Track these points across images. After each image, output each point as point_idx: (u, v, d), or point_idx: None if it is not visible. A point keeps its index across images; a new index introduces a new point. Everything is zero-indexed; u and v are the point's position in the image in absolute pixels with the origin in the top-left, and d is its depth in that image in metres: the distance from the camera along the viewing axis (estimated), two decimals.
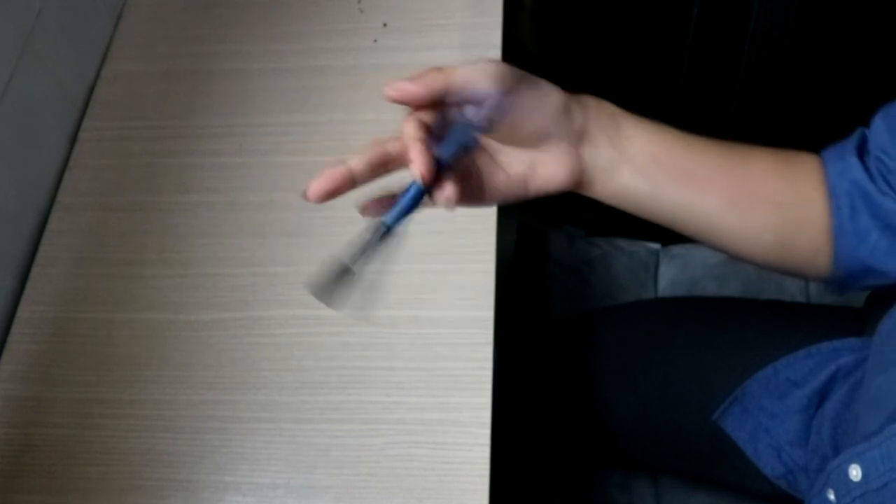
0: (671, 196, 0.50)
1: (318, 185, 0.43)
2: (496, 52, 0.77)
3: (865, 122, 0.53)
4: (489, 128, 0.44)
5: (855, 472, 0.46)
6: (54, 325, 0.67)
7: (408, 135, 0.42)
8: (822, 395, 0.63)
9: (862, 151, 0.53)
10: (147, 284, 0.69)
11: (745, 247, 0.53)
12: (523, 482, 0.81)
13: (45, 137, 0.75)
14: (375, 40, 0.80)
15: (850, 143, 0.53)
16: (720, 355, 0.70)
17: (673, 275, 0.91)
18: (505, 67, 0.44)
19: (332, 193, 0.43)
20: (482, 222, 0.68)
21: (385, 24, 0.81)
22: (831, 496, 0.49)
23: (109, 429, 0.62)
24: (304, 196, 0.43)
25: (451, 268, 0.66)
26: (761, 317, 0.73)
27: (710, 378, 0.69)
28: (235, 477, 0.60)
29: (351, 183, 0.43)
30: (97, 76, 0.81)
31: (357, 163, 0.43)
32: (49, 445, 0.62)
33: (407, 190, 0.43)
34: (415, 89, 0.43)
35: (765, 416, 0.65)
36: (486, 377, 0.61)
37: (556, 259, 1.00)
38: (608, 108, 0.50)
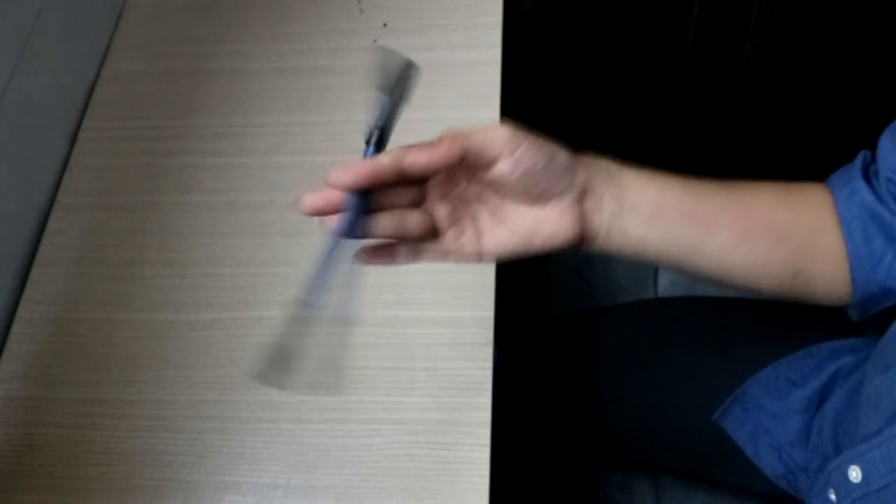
0: (678, 240, 0.50)
1: (313, 201, 0.43)
2: (496, 53, 0.77)
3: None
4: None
5: (855, 474, 0.46)
6: (54, 325, 0.67)
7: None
8: (823, 396, 0.63)
9: (868, 174, 0.53)
10: (147, 284, 0.69)
11: (759, 282, 0.52)
12: (523, 482, 0.81)
13: (45, 137, 0.75)
14: (375, 40, 0.80)
15: (855, 166, 0.53)
16: (720, 355, 0.70)
17: (673, 275, 0.91)
18: (516, 133, 0.44)
19: (323, 212, 0.44)
20: None
21: (385, 24, 0.81)
22: (832, 496, 0.49)
23: (109, 429, 0.62)
24: (300, 204, 0.43)
25: (451, 268, 0.66)
26: (761, 317, 0.73)
27: (710, 378, 0.69)
28: (235, 477, 0.60)
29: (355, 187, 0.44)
30: (97, 76, 0.81)
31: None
32: (49, 445, 0.62)
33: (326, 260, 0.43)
34: (436, 157, 0.43)
35: (765, 417, 0.65)
36: (486, 377, 0.61)
37: (556, 259, 1.00)
38: (605, 163, 0.49)
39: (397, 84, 0.46)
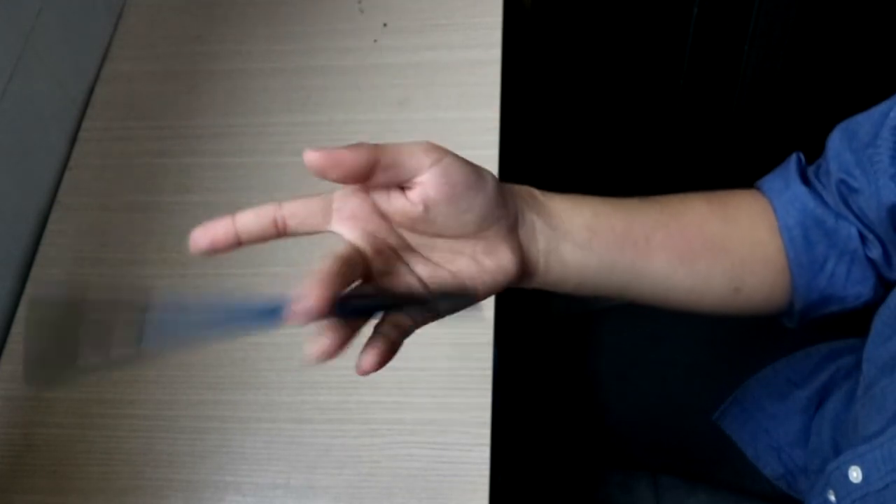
0: (617, 265, 0.48)
1: (201, 236, 0.41)
2: (496, 53, 0.77)
3: None
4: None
5: (855, 474, 0.46)
6: None
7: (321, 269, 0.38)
8: (822, 396, 0.63)
9: (806, 177, 0.52)
10: (147, 284, 0.69)
11: (699, 298, 0.51)
12: (523, 482, 0.81)
13: (45, 137, 0.75)
14: (375, 40, 0.80)
15: (791, 170, 0.52)
16: (720, 355, 0.70)
17: None
18: (437, 146, 0.41)
19: (214, 248, 0.41)
20: None
21: (385, 24, 0.81)
22: (832, 497, 0.49)
23: (109, 429, 0.62)
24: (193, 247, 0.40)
25: None
26: (761, 316, 0.73)
27: (709, 378, 0.69)
28: (235, 477, 0.60)
29: (236, 243, 0.42)
30: (97, 76, 0.81)
31: (246, 223, 0.41)
32: (49, 445, 0.62)
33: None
34: (348, 157, 0.39)
35: (765, 417, 0.65)
36: (486, 377, 0.61)
37: None
38: (529, 190, 0.47)
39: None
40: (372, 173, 0.39)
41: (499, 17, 0.79)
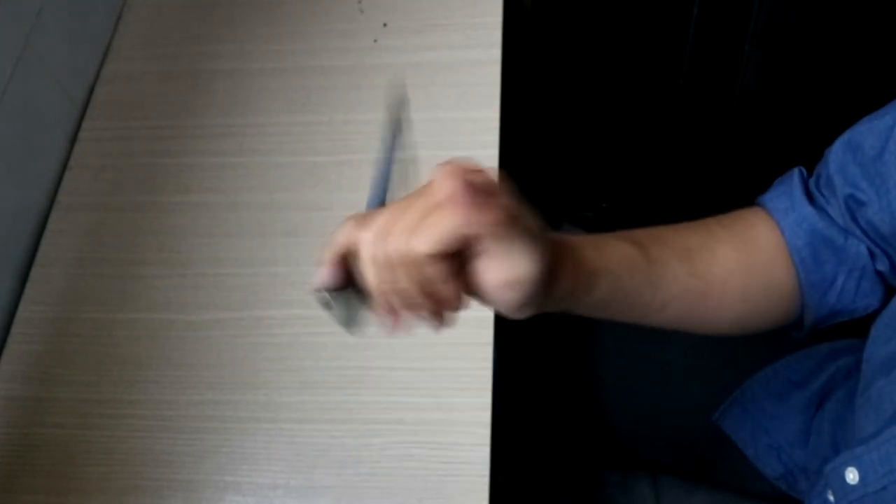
0: (620, 317, 0.49)
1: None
2: (496, 53, 0.77)
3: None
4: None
5: (852, 476, 0.46)
6: (54, 325, 0.67)
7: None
8: (822, 396, 0.63)
9: (810, 195, 0.52)
10: (147, 284, 0.69)
11: (712, 329, 0.52)
12: (523, 482, 0.81)
13: (45, 137, 0.75)
14: (375, 40, 0.80)
15: (794, 187, 0.52)
16: (720, 355, 0.70)
17: None
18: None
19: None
20: None
21: (385, 24, 0.81)
22: (831, 497, 0.49)
23: (109, 429, 0.62)
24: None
25: None
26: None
27: (710, 378, 0.69)
28: (235, 477, 0.60)
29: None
30: (97, 76, 0.81)
31: None
32: (49, 445, 0.62)
33: None
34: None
35: (765, 417, 0.65)
36: (486, 377, 0.61)
37: None
38: (567, 248, 0.45)
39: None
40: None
41: (499, 17, 0.79)
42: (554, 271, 0.42)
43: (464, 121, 0.73)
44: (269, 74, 0.80)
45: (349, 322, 0.42)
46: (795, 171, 0.53)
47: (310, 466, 0.59)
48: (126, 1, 0.87)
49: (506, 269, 0.39)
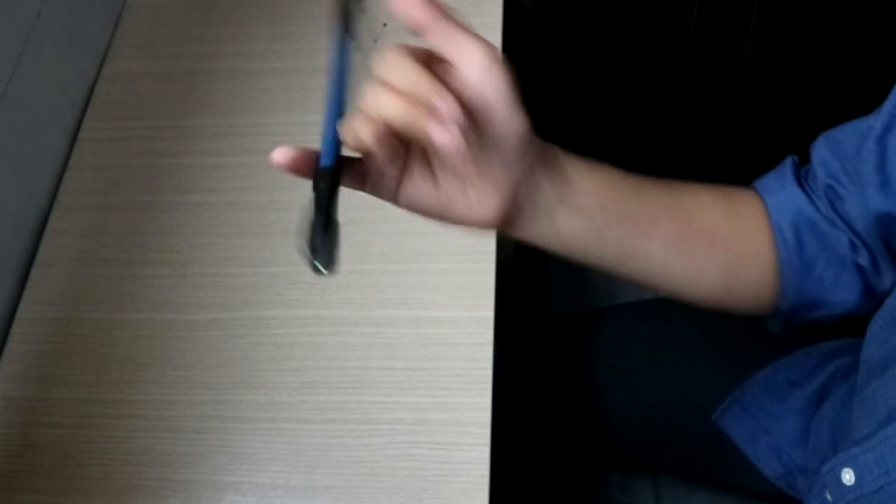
0: (614, 241, 0.48)
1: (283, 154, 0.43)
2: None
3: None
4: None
5: (848, 477, 0.46)
6: (54, 325, 0.68)
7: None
8: (822, 396, 0.63)
9: (801, 180, 0.52)
10: (147, 284, 0.69)
11: (691, 286, 0.51)
12: (523, 482, 0.81)
13: (45, 137, 0.75)
14: (375, 40, 0.80)
15: (787, 171, 0.52)
16: (720, 355, 0.70)
17: None
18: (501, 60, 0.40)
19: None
20: None
21: (385, 24, 0.81)
22: (829, 497, 0.49)
23: (109, 429, 0.62)
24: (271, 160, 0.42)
25: (451, 268, 0.66)
26: (761, 316, 0.73)
27: (710, 378, 0.69)
28: (235, 477, 0.60)
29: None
30: (97, 76, 0.81)
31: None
32: (49, 445, 0.62)
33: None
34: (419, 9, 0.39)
35: (764, 417, 0.65)
36: (486, 377, 0.61)
37: (556, 259, 1.00)
38: (557, 152, 0.46)
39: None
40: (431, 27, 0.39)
41: (499, 17, 0.79)
42: (535, 160, 0.43)
43: None
44: (269, 74, 0.80)
45: (322, 249, 0.41)
46: (789, 158, 0.53)
47: (310, 466, 0.59)
48: (126, 1, 0.87)
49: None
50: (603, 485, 0.80)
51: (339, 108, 0.43)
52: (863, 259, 0.50)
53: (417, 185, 0.43)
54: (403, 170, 0.42)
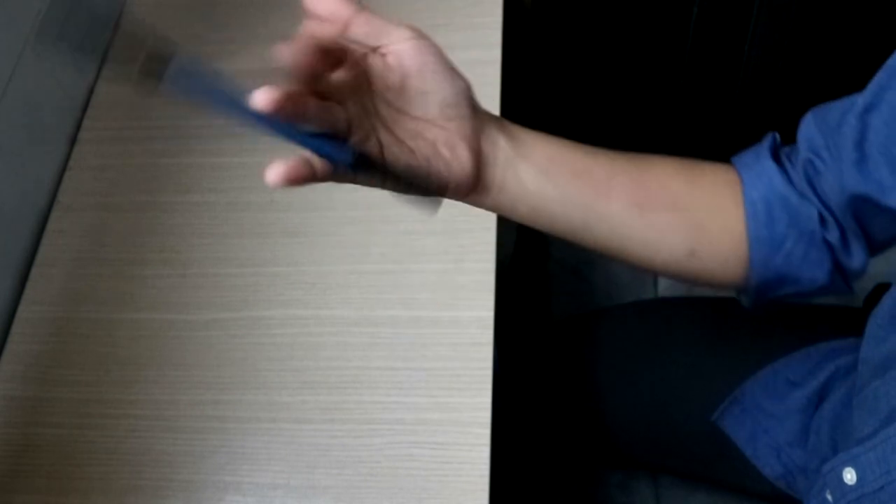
0: (575, 199, 0.49)
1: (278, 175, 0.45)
2: (496, 53, 0.77)
3: None
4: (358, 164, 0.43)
5: (849, 476, 0.46)
6: (54, 325, 0.68)
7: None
8: (821, 396, 0.63)
9: (777, 155, 0.52)
10: (147, 284, 0.69)
11: (654, 255, 0.51)
12: (523, 482, 0.81)
13: (45, 137, 0.75)
14: None
15: (764, 147, 0.52)
16: (720, 355, 0.70)
17: None
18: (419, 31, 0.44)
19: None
20: (482, 222, 0.68)
21: None
22: (829, 497, 0.49)
23: (109, 429, 0.62)
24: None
25: (451, 268, 0.66)
26: (761, 317, 0.73)
27: (709, 378, 0.69)
28: (235, 477, 0.60)
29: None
30: (97, 76, 0.81)
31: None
32: (49, 445, 0.62)
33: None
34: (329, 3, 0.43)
35: (764, 417, 0.65)
36: (486, 377, 0.61)
37: (556, 259, 1.00)
38: (501, 118, 0.49)
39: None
40: (350, 23, 0.43)
41: (499, 17, 0.79)
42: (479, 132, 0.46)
43: None
44: (269, 75, 0.80)
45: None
46: (770, 135, 0.53)
47: (310, 466, 0.59)
48: (126, 1, 0.87)
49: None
50: (603, 485, 0.80)
51: (286, 126, 0.45)
52: (832, 236, 0.50)
53: (396, 155, 0.45)
54: (378, 140, 0.45)
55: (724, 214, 0.51)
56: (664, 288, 0.92)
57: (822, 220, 0.50)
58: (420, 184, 0.45)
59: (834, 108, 0.49)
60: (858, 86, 0.52)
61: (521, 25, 1.06)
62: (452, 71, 0.45)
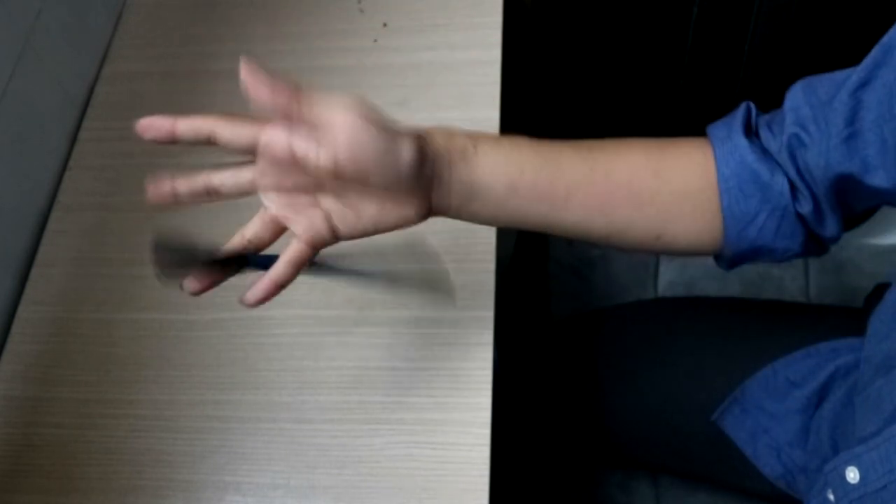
0: (529, 217, 0.50)
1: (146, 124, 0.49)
2: (496, 53, 0.77)
3: None
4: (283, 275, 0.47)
5: (852, 475, 0.46)
6: (54, 325, 0.68)
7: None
8: (822, 396, 0.63)
9: (749, 128, 0.52)
10: (147, 284, 0.69)
11: (619, 242, 0.52)
12: (523, 482, 0.81)
13: (45, 137, 0.75)
14: (375, 40, 0.80)
15: (737, 120, 0.52)
16: (720, 355, 0.70)
17: (673, 275, 0.91)
18: (359, 106, 0.43)
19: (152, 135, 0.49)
20: None
21: (385, 24, 0.81)
22: (831, 497, 0.49)
23: (109, 429, 0.62)
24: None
25: (451, 268, 0.66)
26: (761, 317, 0.73)
27: (710, 378, 0.69)
28: (235, 477, 0.60)
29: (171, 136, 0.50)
30: (97, 76, 0.82)
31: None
32: (49, 445, 0.62)
33: None
34: (268, 91, 0.45)
35: (764, 417, 0.65)
36: (486, 377, 0.61)
37: (556, 259, 1.00)
38: (460, 144, 0.48)
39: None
40: (288, 111, 0.44)
41: (499, 17, 0.79)
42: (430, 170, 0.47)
43: (464, 121, 0.73)
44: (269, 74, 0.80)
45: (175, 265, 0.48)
46: (743, 104, 0.53)
47: (310, 466, 0.59)
48: (126, 1, 0.87)
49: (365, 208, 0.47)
50: (603, 485, 0.80)
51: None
52: (804, 208, 0.50)
53: (343, 223, 0.47)
54: (324, 213, 0.47)
55: (693, 196, 0.51)
56: (664, 288, 0.92)
57: (794, 194, 0.50)
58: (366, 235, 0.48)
59: (825, 81, 0.49)
60: None
61: (521, 25, 1.06)
62: (390, 153, 0.44)
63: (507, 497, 0.70)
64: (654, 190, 0.51)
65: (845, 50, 1.04)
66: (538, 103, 1.17)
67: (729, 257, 0.53)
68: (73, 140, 0.77)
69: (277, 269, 0.47)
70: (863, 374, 0.52)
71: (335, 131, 0.43)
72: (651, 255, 0.55)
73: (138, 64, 0.82)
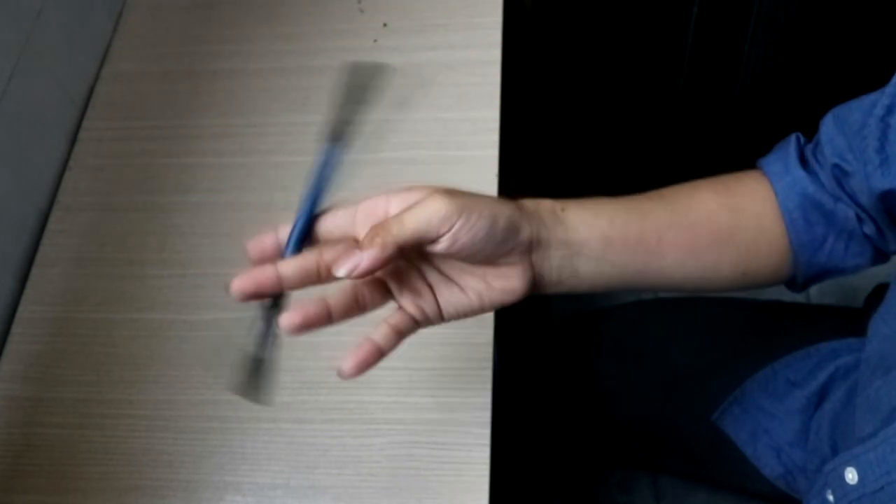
0: (629, 268, 0.50)
1: (240, 283, 0.46)
2: (496, 53, 0.77)
3: None
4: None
5: (851, 476, 0.47)
6: (54, 325, 0.67)
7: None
8: (821, 396, 0.63)
9: (804, 158, 0.53)
10: (147, 284, 0.69)
11: (709, 283, 0.53)
12: (523, 482, 0.81)
13: (45, 137, 0.75)
14: (375, 40, 0.80)
15: (791, 153, 0.53)
16: (720, 355, 0.70)
17: None
18: (448, 206, 0.41)
19: (256, 295, 0.46)
20: None
21: (385, 24, 0.81)
22: (830, 497, 0.49)
23: (109, 429, 0.62)
24: (231, 288, 0.46)
25: None
26: (761, 317, 0.73)
27: (710, 378, 0.69)
28: (235, 477, 0.60)
29: (277, 286, 0.46)
30: (97, 76, 0.81)
31: (287, 269, 0.46)
32: (49, 445, 0.62)
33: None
34: (368, 262, 0.41)
35: (764, 417, 0.65)
36: (486, 377, 0.61)
37: None
38: (548, 206, 0.48)
39: (360, 93, 0.47)
40: (397, 255, 0.42)
41: (499, 17, 0.79)
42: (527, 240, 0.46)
43: (464, 121, 0.73)
44: (268, 74, 0.80)
45: (254, 386, 0.47)
46: (793, 136, 0.54)
47: (310, 466, 0.59)
48: (126, 1, 0.87)
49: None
50: (603, 484, 0.80)
51: (310, 213, 0.48)
52: (869, 229, 0.51)
53: (448, 300, 0.46)
54: (432, 292, 0.46)
55: (767, 233, 0.52)
56: None
57: (859, 218, 0.51)
58: (476, 314, 0.47)
59: (854, 110, 0.51)
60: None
61: (521, 25, 1.06)
62: (493, 226, 0.43)
63: (507, 497, 0.70)
64: (733, 226, 0.52)
65: (845, 50, 1.04)
66: (538, 103, 1.17)
67: (801, 282, 0.55)
68: (73, 140, 0.77)
69: (384, 335, 0.46)
70: (862, 374, 0.52)
71: (435, 228, 0.41)
72: (739, 290, 0.56)
73: (138, 64, 0.82)
